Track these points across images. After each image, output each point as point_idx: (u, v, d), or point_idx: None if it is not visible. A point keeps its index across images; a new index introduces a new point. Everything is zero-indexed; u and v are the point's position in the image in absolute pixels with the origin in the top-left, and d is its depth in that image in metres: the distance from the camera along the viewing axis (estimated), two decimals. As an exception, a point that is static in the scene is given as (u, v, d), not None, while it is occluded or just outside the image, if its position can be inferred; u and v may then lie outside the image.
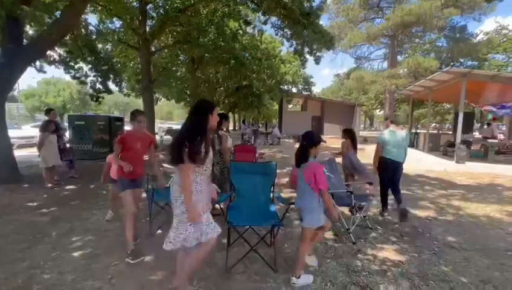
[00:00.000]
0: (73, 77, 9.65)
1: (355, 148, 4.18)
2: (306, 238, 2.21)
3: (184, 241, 1.83)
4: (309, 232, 2.20)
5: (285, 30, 9.69)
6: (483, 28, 70.84)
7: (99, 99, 10.11)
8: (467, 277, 2.35)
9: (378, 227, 3.41)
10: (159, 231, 3.15)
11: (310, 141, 2.20)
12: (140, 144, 2.73)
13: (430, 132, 12.69)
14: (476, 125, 18.56)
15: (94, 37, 9.73)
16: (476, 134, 12.85)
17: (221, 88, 23.58)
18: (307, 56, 10.74)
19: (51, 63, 9.14)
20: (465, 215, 3.95)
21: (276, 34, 10.38)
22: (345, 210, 3.63)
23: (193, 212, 1.77)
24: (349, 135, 4.23)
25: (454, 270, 2.45)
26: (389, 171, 3.75)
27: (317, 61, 10.67)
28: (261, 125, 30.78)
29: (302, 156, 2.21)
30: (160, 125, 25.15)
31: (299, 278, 2.18)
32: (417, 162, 8.77)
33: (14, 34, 5.53)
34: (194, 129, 1.83)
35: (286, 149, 12.59)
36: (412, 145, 13.72)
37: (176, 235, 1.83)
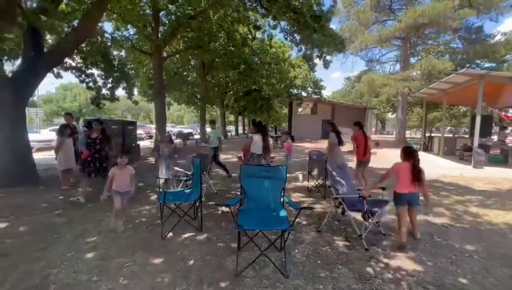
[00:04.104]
0: (82, 81, 9.91)
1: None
2: None
3: None
4: None
5: (295, 35, 9.72)
6: (501, 28, 68.56)
7: (100, 105, 10.40)
8: (486, 287, 2.25)
9: (392, 233, 3.32)
10: (170, 234, 3.18)
11: None
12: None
13: (445, 135, 12.31)
14: (495, 128, 17.88)
15: (109, 44, 10.07)
16: (495, 138, 12.36)
17: (231, 92, 23.80)
18: (316, 61, 10.74)
19: (66, 69, 9.52)
20: (483, 222, 3.78)
21: (286, 39, 10.42)
22: (357, 215, 3.56)
23: None
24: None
25: (472, 280, 2.35)
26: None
27: (326, 65, 10.64)
28: (270, 128, 30.76)
29: None
30: (170, 128, 25.58)
31: None
32: (432, 166, 8.51)
33: (34, 42, 5.80)
34: None
35: (296, 153, 12.50)
36: (426, 149, 13.37)
37: None
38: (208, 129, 23.35)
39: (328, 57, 10.50)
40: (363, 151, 5.02)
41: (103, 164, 4.57)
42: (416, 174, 2.99)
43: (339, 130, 5.22)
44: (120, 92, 11.17)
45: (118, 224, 3.29)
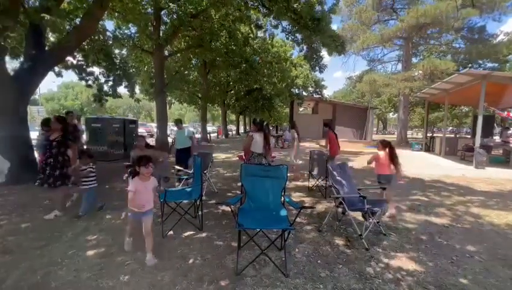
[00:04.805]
0: (81, 78, 9.96)
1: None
2: None
3: None
4: None
5: (296, 34, 9.72)
6: (504, 28, 67.92)
7: (102, 101, 10.47)
8: (487, 288, 2.24)
9: (392, 233, 3.31)
10: (171, 233, 3.19)
11: None
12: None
13: (446, 135, 12.27)
14: (497, 129, 17.82)
15: (110, 42, 10.09)
16: (497, 138, 12.31)
17: (232, 91, 23.77)
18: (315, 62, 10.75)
19: (68, 67, 9.53)
20: (485, 223, 3.77)
21: (287, 38, 10.43)
22: (358, 215, 3.56)
23: None
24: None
25: (473, 280, 2.34)
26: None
27: (321, 70, 10.70)
28: (271, 128, 30.77)
29: None
30: (172, 127, 25.62)
31: None
32: (433, 166, 8.49)
33: (36, 40, 5.81)
34: None
35: (297, 152, 12.48)
36: (427, 149, 13.33)
37: None
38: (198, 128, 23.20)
39: (323, 61, 10.58)
40: (336, 148, 5.82)
41: (60, 171, 3.64)
42: (393, 158, 3.82)
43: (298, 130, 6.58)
44: (122, 89, 11.25)
45: (150, 258, 2.53)
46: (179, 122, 6.51)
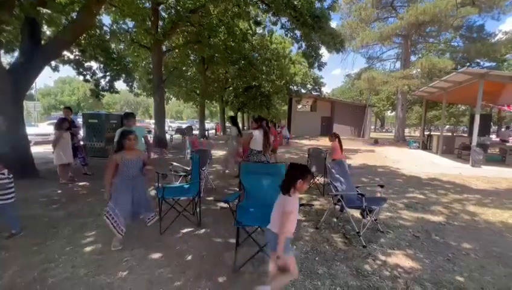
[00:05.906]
0: (79, 73, 10.01)
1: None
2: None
3: None
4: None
5: (295, 31, 9.66)
6: (503, 27, 68.05)
7: (99, 96, 10.69)
8: (483, 285, 2.27)
9: (390, 231, 3.33)
10: (169, 230, 3.18)
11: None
12: None
13: (444, 134, 12.33)
14: (493, 127, 17.95)
15: (108, 37, 9.99)
16: (493, 136, 12.39)
17: (230, 88, 23.66)
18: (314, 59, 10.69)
19: (65, 62, 9.45)
20: (481, 221, 3.81)
21: (286, 35, 10.37)
22: (356, 213, 3.57)
23: None
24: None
25: (469, 277, 2.37)
26: None
27: (320, 67, 10.69)
28: (270, 125, 30.65)
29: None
30: (169, 124, 25.52)
31: None
32: (430, 165, 8.54)
33: (32, 34, 5.72)
34: None
35: (294, 150, 12.52)
36: (424, 148, 13.40)
37: None
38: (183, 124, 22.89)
39: (322, 59, 10.54)
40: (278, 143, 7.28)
41: None
42: (341, 146, 5.01)
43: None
44: (119, 85, 11.28)
45: None
46: (130, 116, 4.52)
